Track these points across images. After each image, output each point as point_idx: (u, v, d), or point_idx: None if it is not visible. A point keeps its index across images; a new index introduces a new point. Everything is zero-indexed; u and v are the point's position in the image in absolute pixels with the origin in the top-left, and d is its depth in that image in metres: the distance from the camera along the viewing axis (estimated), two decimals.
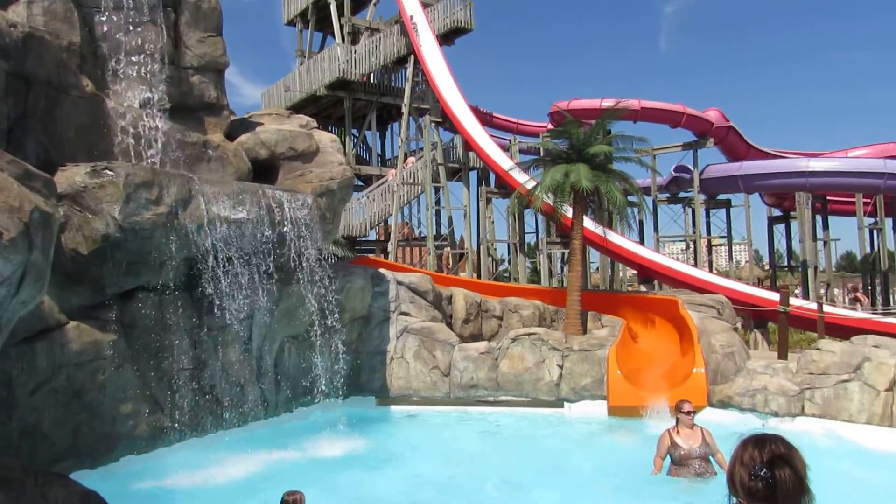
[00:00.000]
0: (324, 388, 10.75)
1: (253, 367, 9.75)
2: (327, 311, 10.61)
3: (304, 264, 10.07)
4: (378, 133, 31.71)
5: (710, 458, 7.30)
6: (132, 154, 8.99)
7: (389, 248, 25.19)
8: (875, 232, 26.80)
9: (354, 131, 29.92)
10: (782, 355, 11.79)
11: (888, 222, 26.82)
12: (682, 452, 7.23)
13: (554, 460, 8.83)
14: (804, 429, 9.52)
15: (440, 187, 26.71)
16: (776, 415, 9.89)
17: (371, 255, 21.73)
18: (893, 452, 8.46)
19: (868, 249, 27.14)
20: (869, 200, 25.06)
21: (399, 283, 12.82)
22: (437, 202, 27.85)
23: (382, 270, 13.10)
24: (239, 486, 7.38)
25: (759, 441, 2.22)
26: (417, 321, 12.55)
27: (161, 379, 8.45)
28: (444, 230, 28.26)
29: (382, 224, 28.52)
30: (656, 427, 10.30)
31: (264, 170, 11.07)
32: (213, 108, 10.46)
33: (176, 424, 8.50)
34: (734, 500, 2.22)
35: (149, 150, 9.06)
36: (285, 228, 9.35)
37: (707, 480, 7.08)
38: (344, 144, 26.06)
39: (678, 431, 7.41)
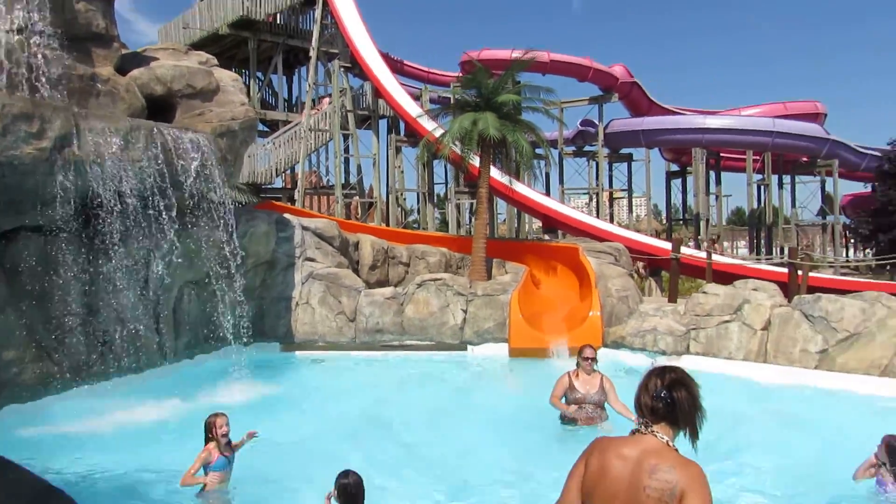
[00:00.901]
0: (226, 334, 10.54)
1: (150, 312, 9.43)
2: (229, 256, 10.35)
3: (204, 207, 9.73)
4: (284, 77, 30.66)
5: (606, 405, 7.27)
6: (10, 84, 8.32)
7: (296, 196, 24.68)
8: (762, 188, 28.49)
9: (259, 74, 28.81)
10: (672, 299, 12.46)
11: (774, 179, 28.58)
12: (578, 396, 7.22)
13: (457, 398, 9.08)
14: (688, 366, 10.12)
15: (349, 135, 26.29)
16: (664, 353, 10.50)
17: (276, 202, 21.22)
18: (764, 384, 9.19)
19: (756, 205, 28.86)
20: (758, 158, 26.54)
21: (304, 228, 12.64)
22: (346, 150, 27.42)
23: (287, 216, 12.88)
24: (133, 433, 7.15)
25: (660, 371, 2.65)
26: (323, 267, 12.45)
27: (48, 325, 8.04)
28: (353, 179, 27.93)
29: (289, 172, 27.85)
30: (554, 367, 10.79)
31: (160, 108, 10.51)
32: (102, 39, 9.77)
33: (66, 372, 8.14)
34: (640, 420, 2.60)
35: (29, 80, 8.40)
36: (181, 168, 8.96)
37: (594, 428, 7.01)
38: (248, 87, 25.10)
39: (577, 375, 7.39)
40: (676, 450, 2.51)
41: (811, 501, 5.46)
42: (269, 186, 26.19)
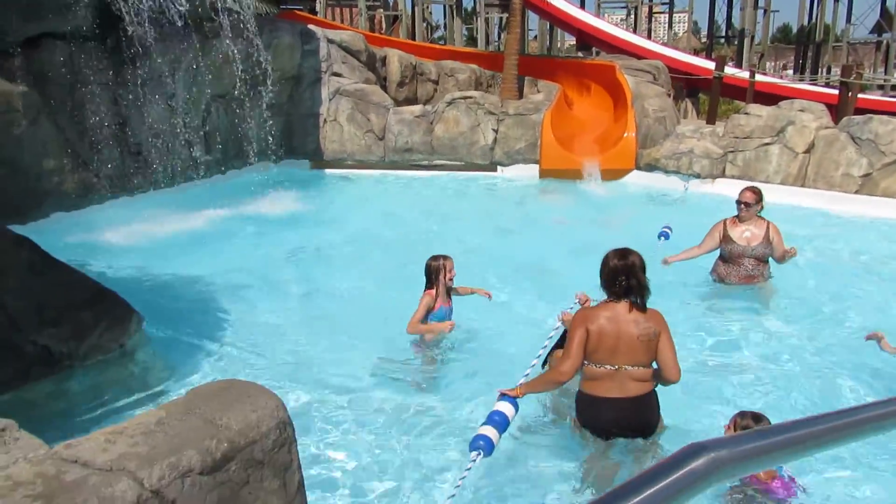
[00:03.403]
0: (255, 149, 10.52)
1: (180, 125, 9.35)
2: (255, 69, 10.04)
3: (225, 16, 9.28)
4: None
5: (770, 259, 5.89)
6: None
7: (318, 7, 23.50)
8: (816, 1, 26.49)
9: None
10: (711, 120, 12.06)
11: None
12: (736, 249, 5.81)
13: (488, 215, 9.17)
14: (722, 191, 10.01)
15: None
16: (698, 176, 10.34)
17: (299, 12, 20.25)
18: (804, 207, 9.06)
19: (806, 21, 27.00)
20: None
21: (330, 41, 12.11)
22: None
23: (312, 27, 12.30)
24: (170, 242, 7.43)
25: (621, 255, 3.51)
26: (350, 83, 12.09)
27: (83, 134, 8.04)
28: None
29: None
30: (585, 190, 10.75)
31: None
32: None
33: (104, 182, 8.27)
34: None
35: None
36: None
37: (752, 288, 5.88)
38: None
39: (735, 223, 5.88)
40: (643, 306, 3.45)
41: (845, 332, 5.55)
42: None
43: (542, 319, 5.15)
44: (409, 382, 4.49)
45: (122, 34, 8.01)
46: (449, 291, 4.80)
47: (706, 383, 4.48)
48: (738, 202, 5.79)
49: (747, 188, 5.87)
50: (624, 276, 3.42)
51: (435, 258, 4.72)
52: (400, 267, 6.83)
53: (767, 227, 5.77)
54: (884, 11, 26.39)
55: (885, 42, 26.08)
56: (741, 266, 5.79)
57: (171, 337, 4.90)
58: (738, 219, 5.81)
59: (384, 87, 13.08)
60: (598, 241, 6.28)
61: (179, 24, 8.42)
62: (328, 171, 11.89)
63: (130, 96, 8.54)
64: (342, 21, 30.57)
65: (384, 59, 13.46)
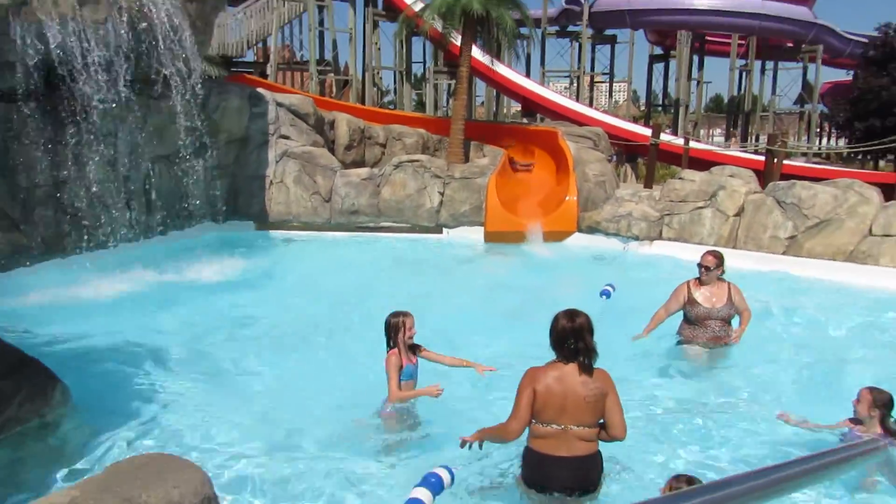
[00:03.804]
0: (199, 211, 10.42)
1: (120, 185, 9.22)
2: (201, 131, 10.04)
3: (174, 78, 9.31)
4: None
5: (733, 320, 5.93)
6: None
7: (269, 70, 23.76)
8: (744, 74, 28.08)
9: None
10: (648, 185, 12.51)
11: (757, 65, 28.13)
12: (700, 311, 5.81)
13: (434, 277, 9.23)
14: (660, 251, 10.36)
15: (324, 6, 25.03)
16: (637, 238, 10.65)
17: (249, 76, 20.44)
18: (736, 268, 9.29)
19: (736, 91, 28.53)
20: (743, 42, 25.96)
21: (279, 104, 12.23)
22: (321, 23, 26.20)
23: (261, 90, 12.42)
24: (105, 306, 7.21)
25: (569, 317, 3.57)
26: (298, 145, 12.18)
27: (14, 195, 7.84)
28: (328, 55, 26.88)
29: (261, 45, 26.66)
30: (531, 249, 10.94)
31: None
32: None
33: (37, 245, 8.05)
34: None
35: None
36: (148, 32, 8.49)
37: (721, 350, 5.88)
38: None
39: (699, 285, 5.90)
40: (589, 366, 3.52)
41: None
42: (241, 60, 25.12)
43: (485, 381, 5.14)
44: (353, 448, 4.39)
45: (64, 94, 7.93)
46: (414, 349, 4.62)
47: (654, 442, 4.54)
48: (700, 266, 5.87)
49: (708, 252, 5.99)
50: (573, 338, 3.50)
51: (394, 315, 4.54)
52: (343, 330, 6.79)
53: (729, 289, 5.87)
54: (805, 84, 28.14)
55: (806, 112, 27.70)
56: (707, 328, 5.83)
57: (97, 407, 4.67)
58: (700, 282, 5.88)
59: (332, 150, 13.20)
60: (543, 302, 6.41)
61: (124, 84, 8.40)
62: (273, 232, 11.83)
63: (70, 156, 8.40)
64: (293, 85, 30.91)
65: (333, 123, 13.63)
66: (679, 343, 6.01)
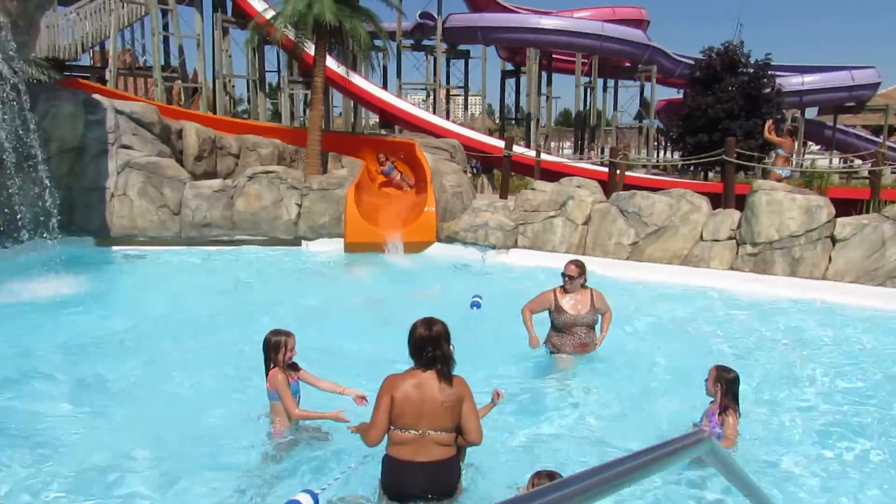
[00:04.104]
0: (29, 226, 9.51)
1: None
2: (28, 139, 9.17)
3: None
4: None
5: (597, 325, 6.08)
6: None
7: (107, 76, 22.20)
8: (589, 91, 29.84)
9: None
10: (503, 195, 12.92)
11: (600, 83, 30.01)
12: (567, 318, 5.92)
13: (293, 290, 8.98)
14: (516, 260, 10.72)
15: (168, 10, 23.79)
16: (494, 247, 10.95)
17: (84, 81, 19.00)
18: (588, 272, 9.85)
19: (582, 107, 30.25)
20: (587, 61, 27.57)
21: (119, 112, 11.45)
22: (166, 28, 24.88)
23: (97, 97, 11.56)
24: None
25: (426, 324, 3.63)
26: (142, 156, 11.45)
27: None
28: (175, 61, 25.56)
29: (98, 49, 24.89)
30: (391, 259, 10.95)
31: None
32: None
33: None
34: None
35: None
36: None
37: (585, 358, 6.01)
38: None
39: (564, 292, 5.99)
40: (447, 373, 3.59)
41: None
42: (75, 63, 23.29)
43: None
44: (214, 477, 4.14)
45: None
46: (293, 368, 4.43)
47: (514, 447, 4.63)
48: (564, 275, 5.94)
49: (571, 262, 6.05)
50: (430, 346, 3.57)
51: (275, 333, 4.37)
52: (195, 350, 6.42)
53: (591, 295, 5.99)
54: (642, 101, 30.39)
55: (645, 127, 29.90)
56: (574, 335, 5.92)
57: None
58: (564, 290, 5.95)
59: (180, 161, 12.54)
60: (406, 311, 6.38)
61: None
62: (116, 248, 11.02)
63: None
64: (136, 91, 29.10)
65: (180, 132, 12.95)
66: (550, 353, 6.07)
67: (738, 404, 4.43)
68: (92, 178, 11.02)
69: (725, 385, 4.41)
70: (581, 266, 6.02)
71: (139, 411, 5.10)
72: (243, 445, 4.43)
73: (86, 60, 24.72)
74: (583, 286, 6.01)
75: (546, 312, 6.07)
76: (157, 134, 11.96)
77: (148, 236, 11.25)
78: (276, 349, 4.32)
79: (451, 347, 3.66)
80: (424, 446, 3.54)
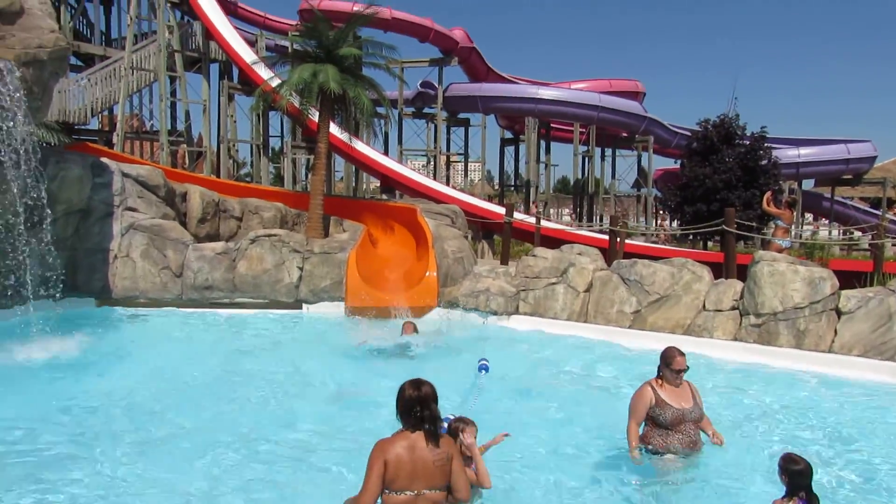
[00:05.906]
0: (32, 287, 9.50)
1: None
2: (36, 201, 9.26)
3: (6, 143, 8.60)
4: (102, 7, 27.74)
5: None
6: None
7: (115, 139, 22.63)
8: (587, 159, 30.36)
9: (72, 1, 25.82)
10: (504, 261, 12.98)
11: (598, 151, 30.56)
12: (675, 414, 5.13)
13: (293, 353, 8.89)
14: (518, 325, 10.68)
15: (176, 77, 24.42)
16: (495, 313, 10.93)
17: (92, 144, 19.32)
18: (586, 340, 9.84)
19: (580, 175, 30.73)
20: (584, 130, 28.16)
21: (125, 175, 11.62)
22: (173, 94, 25.48)
23: (105, 160, 11.77)
24: None
25: (414, 385, 3.79)
26: (146, 218, 11.56)
27: None
28: (181, 125, 26.07)
29: (107, 113, 25.47)
30: (382, 325, 10.84)
31: None
32: None
33: None
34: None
35: None
36: None
37: (697, 457, 5.22)
38: (58, 14, 22.46)
39: (662, 385, 5.24)
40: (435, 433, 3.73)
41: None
42: (84, 127, 23.77)
43: (342, 466, 4.94)
44: None
45: None
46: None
47: None
48: (675, 370, 5.17)
49: (680, 354, 5.24)
50: (419, 407, 3.70)
51: (458, 420, 4.28)
52: (194, 417, 6.33)
53: (691, 388, 5.32)
54: (640, 170, 30.88)
55: (643, 195, 30.29)
56: (683, 433, 5.14)
57: None
58: (662, 382, 5.23)
59: (184, 224, 12.66)
60: (414, 371, 6.34)
61: None
62: (118, 309, 10.99)
63: None
64: (142, 155, 29.59)
65: (185, 195, 13.12)
66: (652, 453, 5.19)
67: (811, 499, 3.87)
68: (96, 239, 11.10)
69: (788, 477, 3.94)
70: (683, 356, 5.26)
71: (147, 470, 5.00)
72: None
73: (94, 124, 25.21)
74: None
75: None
76: (162, 197, 12.10)
77: (149, 298, 11.24)
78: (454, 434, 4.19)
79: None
80: None
